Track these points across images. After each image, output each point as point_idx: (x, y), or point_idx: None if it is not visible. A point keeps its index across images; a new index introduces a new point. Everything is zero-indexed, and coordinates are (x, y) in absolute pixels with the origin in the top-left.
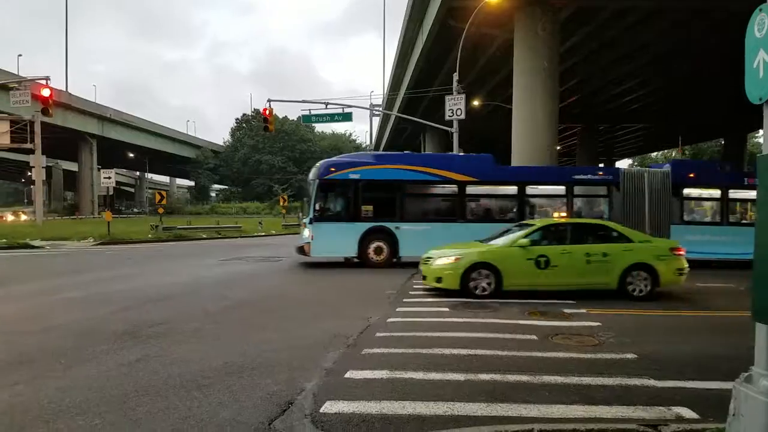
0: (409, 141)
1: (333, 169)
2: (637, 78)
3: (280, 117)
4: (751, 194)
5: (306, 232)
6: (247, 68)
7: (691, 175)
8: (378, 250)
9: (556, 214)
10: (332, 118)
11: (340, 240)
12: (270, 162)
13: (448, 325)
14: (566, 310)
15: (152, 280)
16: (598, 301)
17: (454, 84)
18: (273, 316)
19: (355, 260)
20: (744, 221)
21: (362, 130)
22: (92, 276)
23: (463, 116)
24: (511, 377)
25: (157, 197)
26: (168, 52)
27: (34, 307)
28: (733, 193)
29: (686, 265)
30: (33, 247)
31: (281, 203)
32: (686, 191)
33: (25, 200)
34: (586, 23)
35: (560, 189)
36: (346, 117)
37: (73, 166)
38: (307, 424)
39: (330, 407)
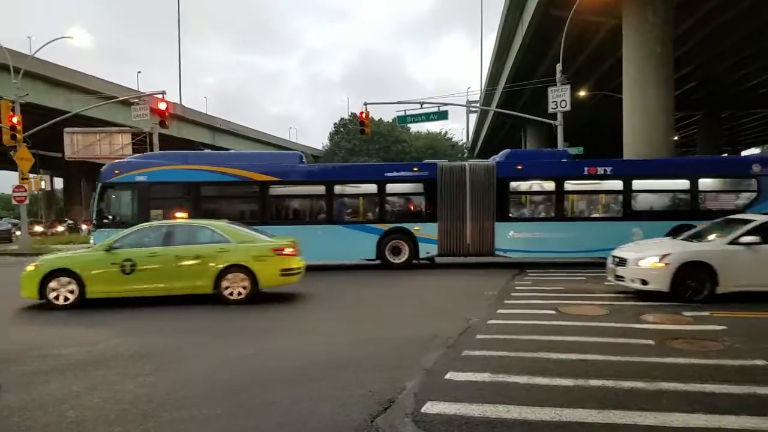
0: (508, 137)
1: (117, 171)
2: (764, 60)
3: (376, 119)
4: (592, 185)
5: (91, 240)
6: (340, 73)
7: (519, 167)
8: None
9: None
10: (428, 117)
11: None
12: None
13: (554, 328)
14: (686, 313)
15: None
16: (721, 304)
17: (558, 75)
18: (371, 313)
19: None
20: (585, 215)
21: (458, 128)
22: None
23: (567, 108)
24: (625, 383)
25: None
26: (267, 62)
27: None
28: (571, 185)
29: (296, 265)
30: None
31: None
32: (513, 185)
33: None
34: (698, 8)
35: (372, 188)
36: (442, 115)
37: None
38: (408, 423)
39: (431, 407)
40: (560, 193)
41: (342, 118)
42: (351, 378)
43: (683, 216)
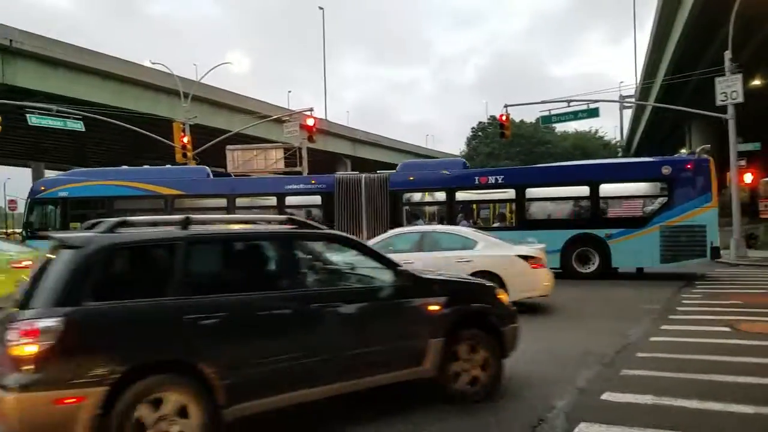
0: (669, 134)
1: (43, 188)
2: None
3: (516, 121)
4: (483, 194)
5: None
6: (474, 77)
7: (411, 178)
8: None
9: None
10: (575, 116)
11: None
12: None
13: (730, 347)
14: None
15: None
16: None
17: (727, 63)
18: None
19: None
20: (477, 225)
21: (610, 126)
22: None
23: (740, 99)
24: None
25: None
26: (401, 72)
27: None
28: (462, 195)
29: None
30: None
31: None
32: (406, 196)
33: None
34: None
35: (272, 200)
36: (592, 113)
37: None
38: None
39: (585, 429)
40: (451, 203)
41: (480, 122)
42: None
43: (583, 225)
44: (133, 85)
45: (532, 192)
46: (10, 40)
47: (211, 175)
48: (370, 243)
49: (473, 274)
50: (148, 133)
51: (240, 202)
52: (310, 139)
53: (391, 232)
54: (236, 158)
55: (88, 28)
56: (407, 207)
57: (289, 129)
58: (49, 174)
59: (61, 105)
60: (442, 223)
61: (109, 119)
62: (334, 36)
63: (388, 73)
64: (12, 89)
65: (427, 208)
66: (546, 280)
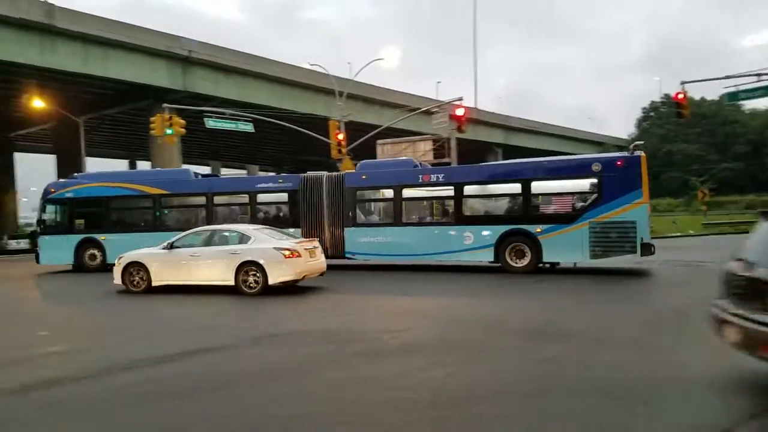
0: None
1: (53, 190)
2: None
3: (696, 99)
4: (427, 192)
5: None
6: (637, 53)
7: (364, 177)
8: (92, 257)
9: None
10: (767, 91)
11: (60, 250)
12: (684, 151)
13: None
14: None
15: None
16: None
17: None
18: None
19: (72, 266)
20: (421, 221)
21: None
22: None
23: None
24: None
25: None
26: (555, 53)
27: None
28: (408, 192)
29: None
30: None
31: (700, 198)
32: (359, 193)
33: None
34: None
35: (245, 197)
36: None
37: None
38: None
39: None
40: (399, 200)
41: (653, 102)
42: (658, 403)
43: (515, 221)
44: (294, 87)
45: (469, 189)
46: (189, 51)
47: (198, 176)
48: (174, 239)
49: (242, 264)
50: (307, 131)
51: (217, 200)
52: (460, 129)
53: (190, 231)
54: (386, 152)
55: (254, 36)
56: (361, 203)
57: (437, 120)
58: (226, 173)
59: (233, 108)
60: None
61: (273, 120)
62: (485, 22)
63: (541, 54)
64: (193, 96)
65: (379, 205)
66: (299, 267)
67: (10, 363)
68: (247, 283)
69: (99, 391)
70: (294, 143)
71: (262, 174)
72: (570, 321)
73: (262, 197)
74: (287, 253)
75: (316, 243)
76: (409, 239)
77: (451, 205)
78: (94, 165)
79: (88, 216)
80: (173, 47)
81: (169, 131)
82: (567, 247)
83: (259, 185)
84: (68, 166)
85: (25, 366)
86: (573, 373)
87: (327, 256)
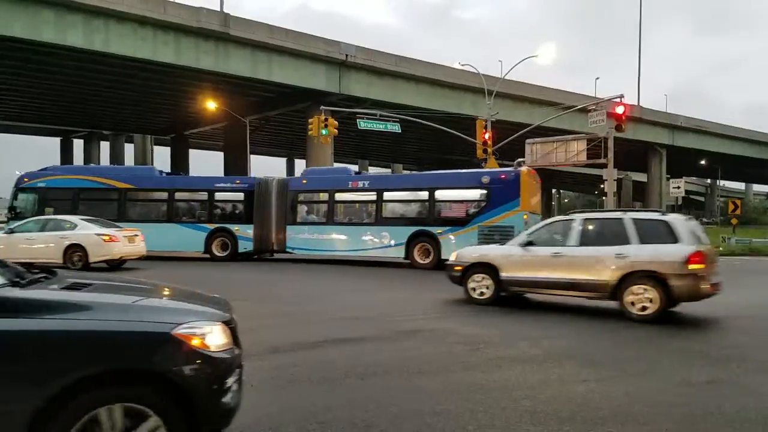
0: None
1: (26, 180)
2: None
3: None
4: (355, 196)
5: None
6: None
7: (304, 182)
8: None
9: None
10: None
11: None
12: None
13: None
14: None
15: (734, 298)
16: None
17: None
18: None
19: None
20: (350, 221)
21: None
22: None
23: None
24: None
25: (730, 206)
26: (725, 45)
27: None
28: (339, 195)
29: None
30: None
31: (730, 210)
32: (300, 196)
33: None
34: None
35: (204, 195)
36: None
37: (642, 177)
38: None
39: None
40: (332, 202)
41: None
42: None
43: (422, 223)
44: (441, 87)
45: (387, 195)
46: (347, 55)
47: (162, 174)
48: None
49: (68, 247)
50: (452, 131)
51: (178, 195)
52: (619, 128)
53: (29, 219)
54: (535, 151)
55: (407, 38)
56: (300, 205)
57: (594, 118)
58: (373, 171)
59: (383, 109)
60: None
61: (420, 120)
62: (649, 12)
63: (711, 48)
64: (347, 98)
65: (315, 206)
66: (117, 249)
67: None
68: (72, 261)
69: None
70: (439, 142)
71: (406, 172)
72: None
73: (219, 195)
74: (106, 238)
75: (137, 232)
76: (338, 237)
77: (373, 208)
78: (256, 162)
79: (57, 205)
80: (332, 52)
81: (324, 132)
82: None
83: (218, 185)
84: (235, 162)
85: None
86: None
87: (273, 251)
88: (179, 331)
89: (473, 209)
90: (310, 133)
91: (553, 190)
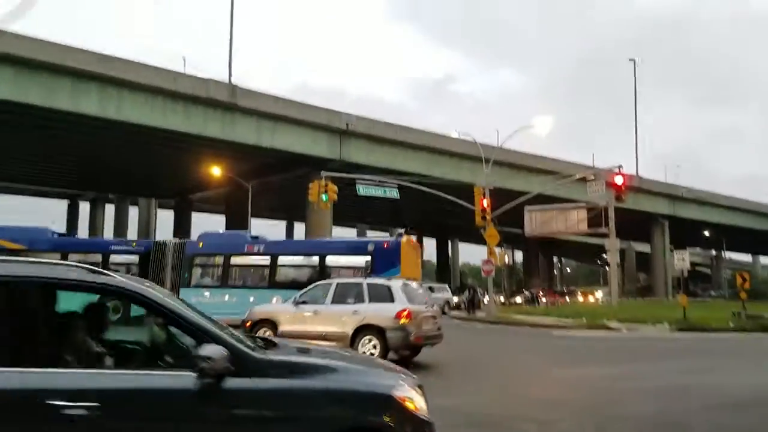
0: None
1: None
2: None
3: None
4: (250, 260)
5: None
6: None
7: (200, 245)
8: None
9: None
10: None
11: None
12: None
13: None
14: None
15: (735, 378)
16: None
17: None
18: None
19: None
20: (244, 284)
21: None
22: (668, 365)
23: None
24: None
25: (738, 279)
26: (722, 117)
27: (605, 392)
28: (234, 259)
29: None
30: (609, 328)
31: (739, 283)
32: (197, 259)
33: (600, 281)
34: None
35: (98, 257)
36: None
37: (645, 247)
38: None
39: None
40: (227, 266)
41: None
42: None
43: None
44: (440, 155)
45: (281, 260)
46: (347, 124)
47: (54, 235)
48: None
49: None
50: (450, 197)
51: (71, 257)
52: (619, 198)
53: None
54: (535, 219)
55: (407, 110)
56: (195, 268)
57: (593, 188)
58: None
59: (382, 175)
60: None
61: (418, 186)
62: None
63: (708, 118)
64: (347, 164)
65: (210, 269)
66: None
67: None
68: None
69: None
70: (437, 208)
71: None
72: None
73: (114, 258)
74: None
75: None
76: (231, 299)
77: (265, 271)
78: (257, 226)
79: None
80: (333, 120)
81: (324, 197)
82: None
83: (114, 247)
84: (236, 225)
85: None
86: None
87: None
88: (396, 392)
89: (359, 273)
90: (310, 198)
91: (555, 259)
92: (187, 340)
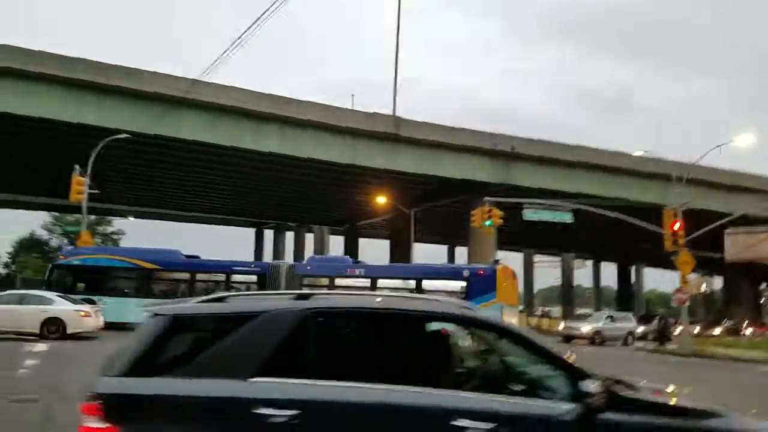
0: None
1: (62, 257)
2: None
3: None
4: (352, 281)
5: None
6: None
7: (308, 267)
8: None
9: None
10: None
11: None
12: None
13: None
14: None
15: None
16: None
17: None
18: None
19: None
20: None
21: None
22: None
23: None
24: None
25: None
26: None
27: None
28: (339, 281)
29: None
30: None
31: None
32: (306, 279)
33: None
34: None
35: (221, 276)
36: None
37: None
38: None
39: None
40: (332, 286)
41: None
42: None
43: None
44: (618, 175)
45: (380, 282)
46: (512, 147)
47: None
48: None
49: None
50: (633, 219)
51: (200, 276)
52: None
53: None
54: (737, 243)
55: (578, 128)
56: (305, 287)
57: None
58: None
59: (550, 197)
60: None
61: (594, 209)
62: None
63: None
64: (511, 188)
65: (317, 289)
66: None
67: None
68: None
69: None
70: (618, 232)
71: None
72: None
73: (235, 277)
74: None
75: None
76: None
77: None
78: (420, 248)
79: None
80: (497, 144)
81: (487, 223)
82: None
83: (234, 268)
84: (400, 250)
85: None
86: None
87: None
88: None
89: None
90: (472, 224)
91: (763, 285)
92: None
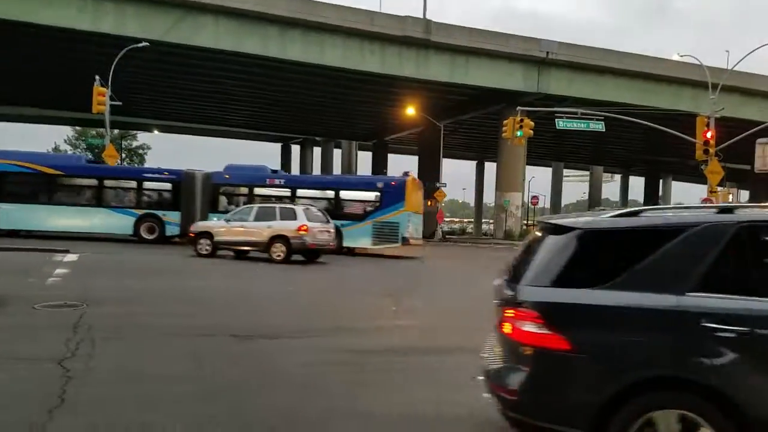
0: None
1: None
2: None
3: None
4: (271, 191)
5: None
6: None
7: (226, 176)
8: None
9: None
10: None
11: None
12: None
13: None
14: None
15: None
16: None
17: None
18: None
19: None
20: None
21: None
22: None
23: None
24: None
25: None
26: None
27: None
28: (257, 190)
29: None
30: None
31: None
32: (222, 188)
33: None
34: None
35: (134, 183)
36: None
37: None
38: None
39: None
40: (250, 196)
41: None
42: None
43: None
44: (655, 82)
45: (300, 191)
46: (547, 52)
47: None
48: None
49: None
50: (665, 128)
51: (108, 183)
52: None
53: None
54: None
55: (619, 34)
56: (222, 196)
57: None
58: (568, 174)
59: (584, 107)
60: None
61: (627, 118)
62: None
63: None
64: (545, 97)
65: (235, 198)
66: None
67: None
68: None
69: None
70: (647, 142)
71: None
72: None
73: (148, 184)
74: None
75: None
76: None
77: (284, 202)
78: (448, 165)
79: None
80: (531, 50)
81: (519, 133)
82: (360, 237)
83: (147, 174)
84: (428, 165)
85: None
86: None
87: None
88: None
89: (370, 207)
90: (503, 135)
91: None
92: None
